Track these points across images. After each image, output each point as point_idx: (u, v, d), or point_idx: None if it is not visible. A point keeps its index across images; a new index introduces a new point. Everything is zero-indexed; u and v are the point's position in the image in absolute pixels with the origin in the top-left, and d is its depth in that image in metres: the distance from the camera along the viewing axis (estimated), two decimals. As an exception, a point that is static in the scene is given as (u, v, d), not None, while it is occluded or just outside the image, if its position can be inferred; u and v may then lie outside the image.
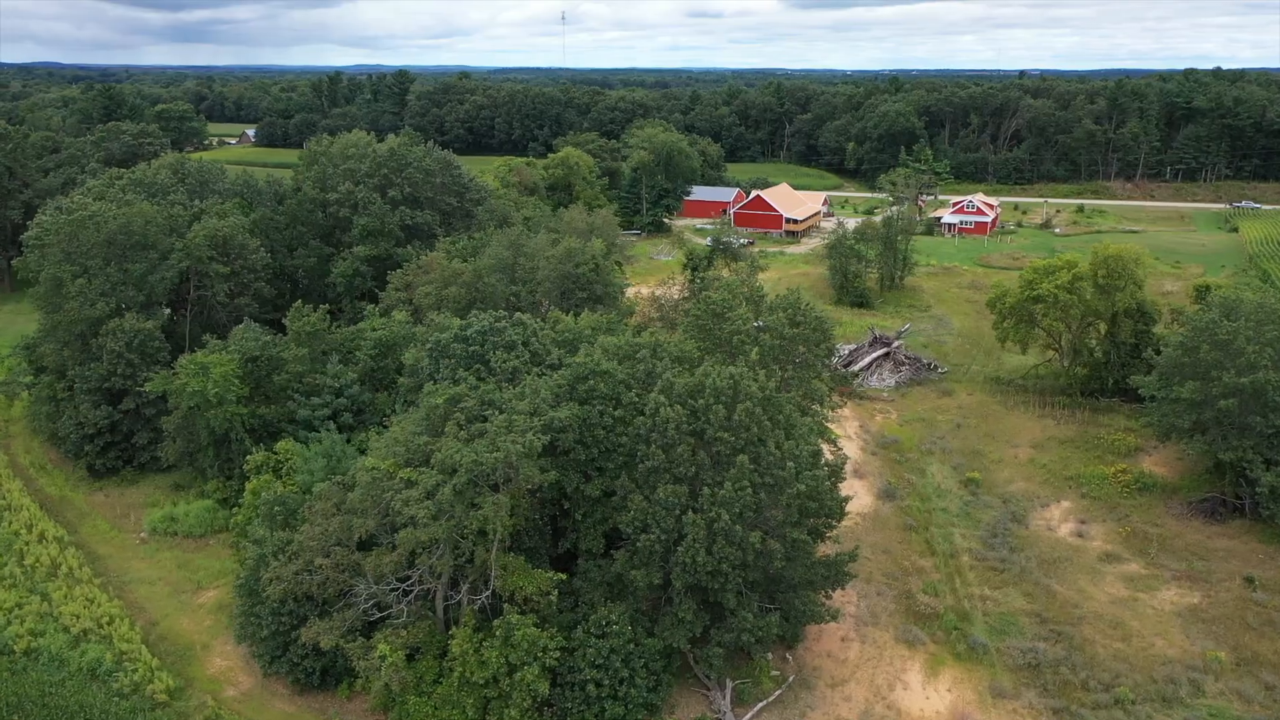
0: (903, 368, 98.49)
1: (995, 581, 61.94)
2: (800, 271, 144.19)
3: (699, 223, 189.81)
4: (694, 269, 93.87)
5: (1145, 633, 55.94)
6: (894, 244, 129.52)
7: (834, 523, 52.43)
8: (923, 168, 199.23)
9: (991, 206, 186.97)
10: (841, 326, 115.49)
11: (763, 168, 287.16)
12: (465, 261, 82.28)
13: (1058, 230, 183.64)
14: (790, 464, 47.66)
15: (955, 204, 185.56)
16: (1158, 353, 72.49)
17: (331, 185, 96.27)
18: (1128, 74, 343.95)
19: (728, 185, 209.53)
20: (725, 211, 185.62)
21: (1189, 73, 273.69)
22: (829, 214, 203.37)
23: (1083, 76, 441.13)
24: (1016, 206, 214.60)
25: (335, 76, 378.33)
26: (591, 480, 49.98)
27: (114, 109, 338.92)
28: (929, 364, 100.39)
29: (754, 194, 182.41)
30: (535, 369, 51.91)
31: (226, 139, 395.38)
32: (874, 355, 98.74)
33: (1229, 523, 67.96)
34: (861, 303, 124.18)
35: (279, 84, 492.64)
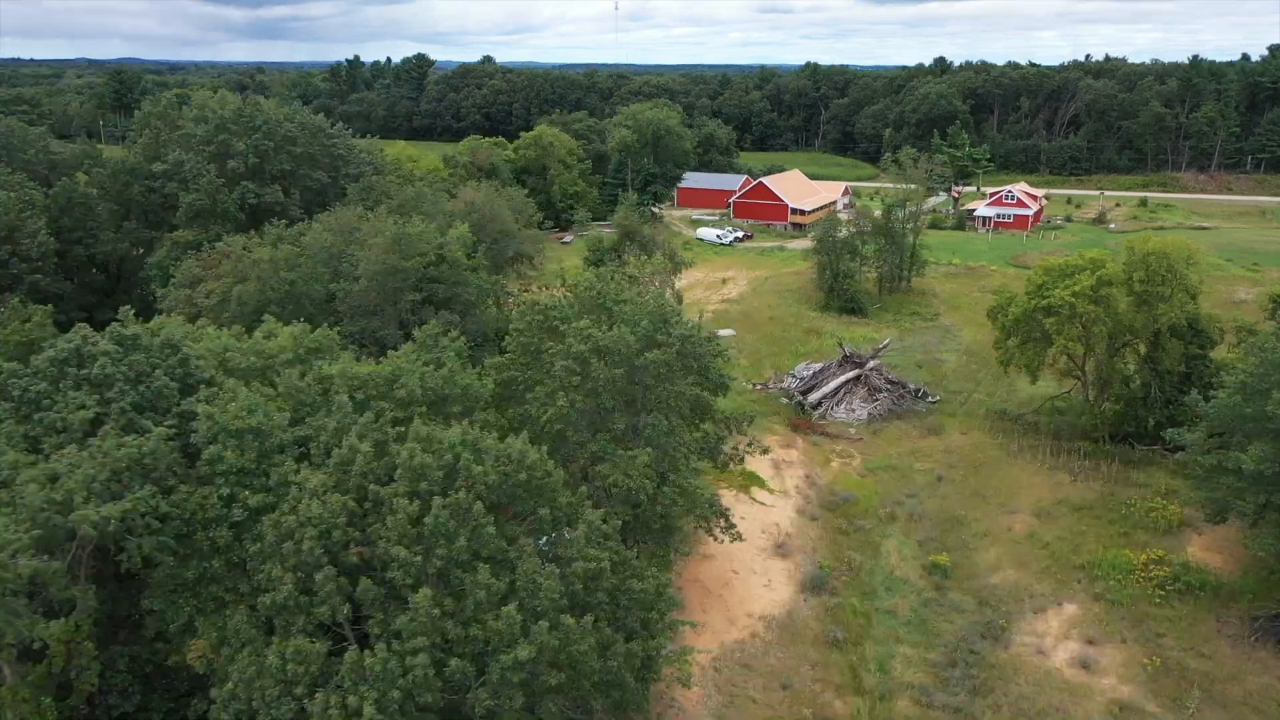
0: (880, 395, 76.41)
1: (938, 752, 40.27)
2: (794, 270, 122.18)
3: (697, 213, 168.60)
4: (597, 263, 72.95)
5: None
6: (898, 237, 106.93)
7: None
8: (958, 154, 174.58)
9: (1034, 198, 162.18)
10: (819, 338, 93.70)
11: (794, 156, 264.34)
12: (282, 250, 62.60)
13: (1112, 226, 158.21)
14: (510, 611, 26.99)
15: (992, 194, 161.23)
16: (1208, 393, 49.71)
17: (164, 154, 77.66)
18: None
19: (737, 172, 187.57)
20: (729, 202, 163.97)
21: (1276, 50, 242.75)
22: (850, 205, 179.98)
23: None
24: (1070, 200, 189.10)
25: (355, 61, 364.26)
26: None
27: (124, 93, 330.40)
28: (916, 390, 78.16)
29: (756, 180, 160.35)
30: (146, 417, 31.85)
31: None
32: (842, 379, 76.85)
33: (1315, 658, 45.12)
34: (853, 308, 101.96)
35: (321, 74, 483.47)
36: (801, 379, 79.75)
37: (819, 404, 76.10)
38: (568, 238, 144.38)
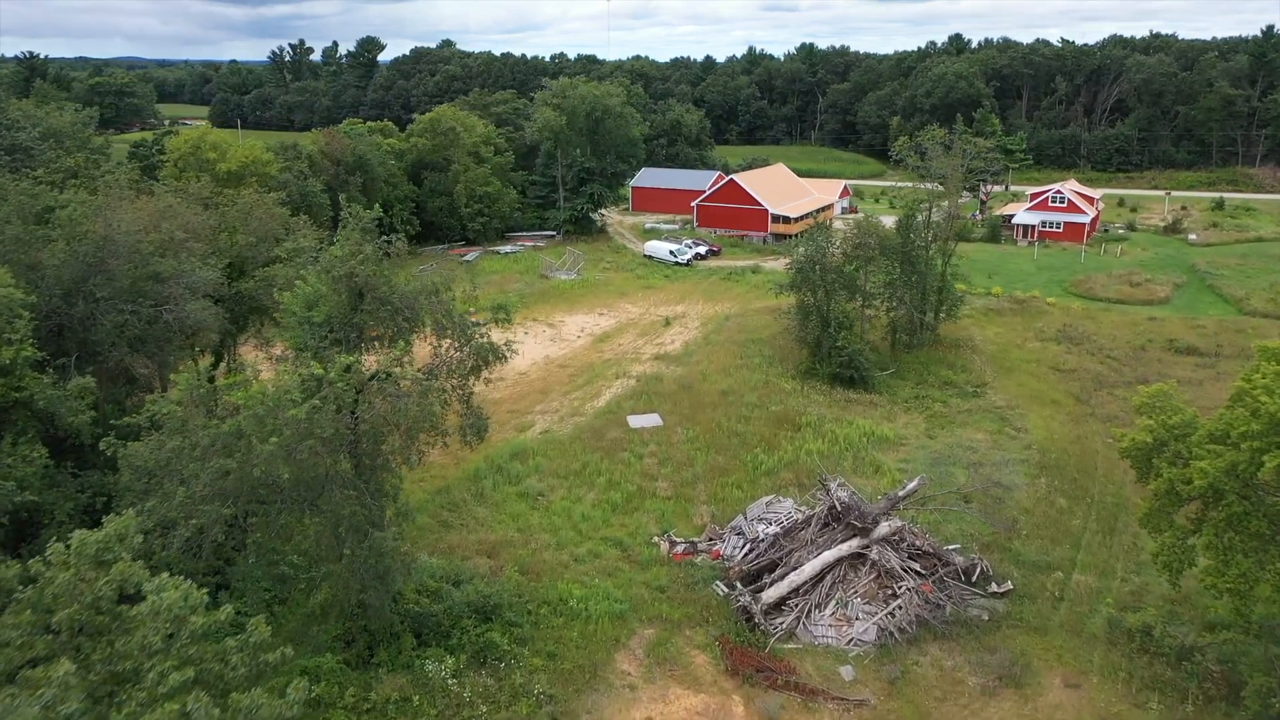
0: (900, 586, 39.48)
1: None
2: (768, 305, 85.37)
3: (655, 219, 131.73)
4: (309, 351, 35.35)
5: None
6: (920, 263, 70.09)
7: None
8: (989, 145, 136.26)
9: (1089, 200, 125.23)
10: (795, 438, 56.90)
11: (787, 150, 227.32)
12: None
13: (1192, 237, 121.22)
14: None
15: (1034, 196, 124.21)
16: None
17: None
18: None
19: (710, 167, 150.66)
20: (694, 205, 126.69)
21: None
22: (851, 209, 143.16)
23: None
24: (1122, 201, 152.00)
25: (300, 45, 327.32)
26: None
27: (35, 81, 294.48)
28: (968, 568, 41.36)
29: (727, 178, 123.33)
30: None
31: (186, 119, 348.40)
32: (828, 557, 39.89)
33: None
34: (852, 377, 65.10)
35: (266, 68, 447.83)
36: (753, 544, 42.90)
37: (782, 605, 39.35)
38: (470, 255, 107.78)
